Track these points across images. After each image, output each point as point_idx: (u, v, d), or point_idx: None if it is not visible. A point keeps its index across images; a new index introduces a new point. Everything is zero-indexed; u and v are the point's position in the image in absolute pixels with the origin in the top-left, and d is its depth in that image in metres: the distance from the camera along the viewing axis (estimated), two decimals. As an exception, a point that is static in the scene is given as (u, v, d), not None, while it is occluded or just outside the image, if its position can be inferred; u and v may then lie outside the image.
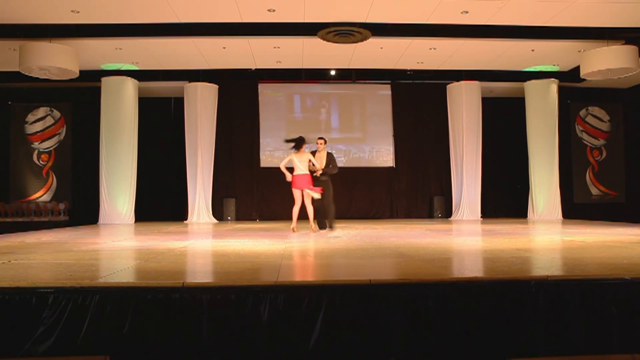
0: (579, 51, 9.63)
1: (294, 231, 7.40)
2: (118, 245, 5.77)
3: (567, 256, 4.27)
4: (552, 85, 11.59)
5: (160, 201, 12.36)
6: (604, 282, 3.00)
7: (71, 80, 9.50)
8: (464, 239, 6.30)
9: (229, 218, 11.84)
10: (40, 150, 12.19)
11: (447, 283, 3.01)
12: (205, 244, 5.94)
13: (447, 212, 12.24)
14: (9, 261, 4.06)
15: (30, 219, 11.34)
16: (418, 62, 10.91)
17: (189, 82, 11.54)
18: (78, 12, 7.84)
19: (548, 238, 6.20)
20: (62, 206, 11.75)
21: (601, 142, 13.03)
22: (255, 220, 11.92)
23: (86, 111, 11.90)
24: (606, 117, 13.04)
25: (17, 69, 8.86)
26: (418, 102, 12.48)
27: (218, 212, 11.83)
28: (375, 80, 12.35)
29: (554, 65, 11.00)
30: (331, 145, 10.52)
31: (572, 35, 8.92)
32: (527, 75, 11.60)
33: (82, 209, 11.84)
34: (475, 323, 2.86)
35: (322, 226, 7.85)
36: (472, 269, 3.68)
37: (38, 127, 12.19)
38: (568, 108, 12.67)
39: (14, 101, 12.15)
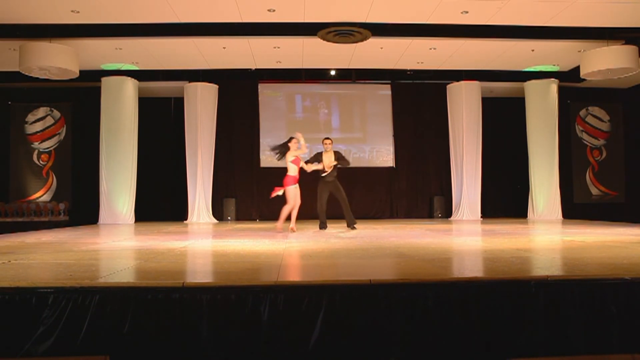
0: (579, 51, 9.63)
1: (293, 231, 7.43)
2: (118, 245, 5.77)
3: (567, 256, 4.27)
4: (552, 85, 11.59)
5: (160, 201, 12.37)
6: (604, 282, 2.99)
7: (71, 80, 9.49)
8: (464, 239, 6.29)
9: (229, 218, 11.84)
10: (40, 150, 12.18)
11: (447, 283, 3.01)
12: (205, 244, 5.93)
13: (447, 212, 12.23)
14: (9, 261, 4.05)
15: (30, 219, 11.34)
16: (418, 62, 10.91)
17: (189, 82, 11.54)
18: (78, 12, 7.84)
19: (548, 238, 6.20)
20: (62, 206, 11.75)
21: (601, 142, 13.03)
22: (255, 220, 11.91)
23: (86, 111, 11.90)
24: (606, 117, 13.04)
25: (17, 69, 8.85)
26: (418, 102, 12.48)
27: (218, 212, 11.83)
28: (375, 80, 12.33)
29: (554, 65, 11.00)
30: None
31: (572, 35, 8.92)
32: (527, 75, 11.59)
33: (82, 209, 11.84)
34: (475, 323, 2.85)
35: (322, 226, 7.91)
36: (472, 269, 3.68)
37: (38, 127, 12.19)
38: (568, 108, 12.67)
39: (14, 101, 12.14)
